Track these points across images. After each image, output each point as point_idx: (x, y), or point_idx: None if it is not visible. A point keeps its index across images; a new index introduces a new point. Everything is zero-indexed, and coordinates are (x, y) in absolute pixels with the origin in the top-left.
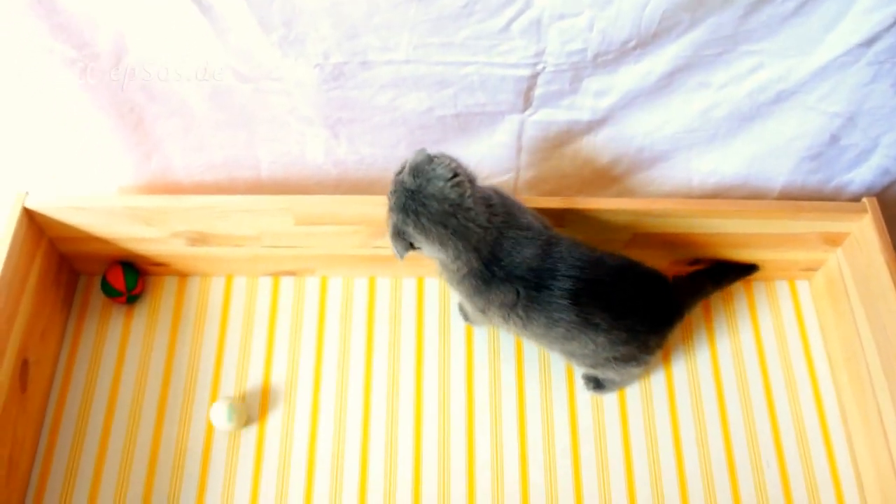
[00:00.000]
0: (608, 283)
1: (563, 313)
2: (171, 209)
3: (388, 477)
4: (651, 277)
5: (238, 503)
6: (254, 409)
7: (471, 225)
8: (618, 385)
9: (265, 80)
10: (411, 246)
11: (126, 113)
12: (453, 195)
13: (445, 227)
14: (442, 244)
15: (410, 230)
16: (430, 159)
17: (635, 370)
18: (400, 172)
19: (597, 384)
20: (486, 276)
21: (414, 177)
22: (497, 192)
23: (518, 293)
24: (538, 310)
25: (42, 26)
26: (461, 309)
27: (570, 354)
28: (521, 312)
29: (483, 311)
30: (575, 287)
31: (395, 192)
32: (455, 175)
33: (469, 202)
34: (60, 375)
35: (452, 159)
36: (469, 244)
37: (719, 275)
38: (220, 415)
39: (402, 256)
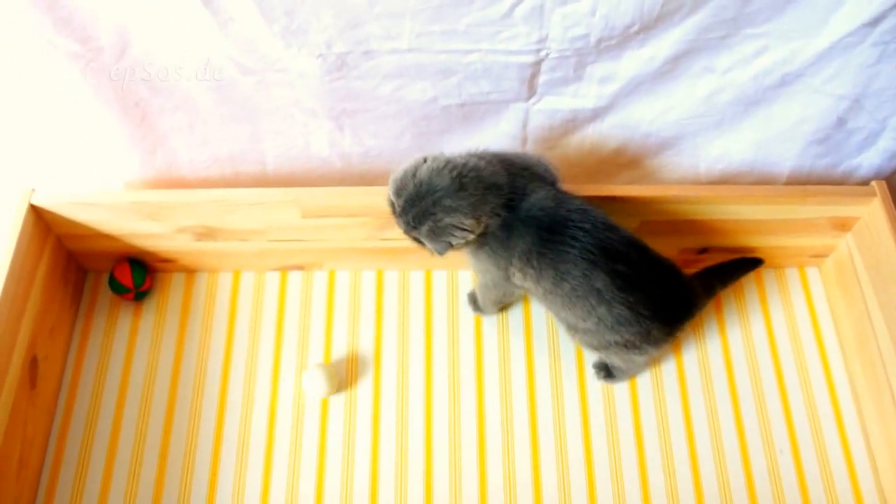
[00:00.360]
0: (617, 251)
1: (569, 265)
2: (178, 203)
3: (399, 472)
4: (663, 265)
5: (249, 493)
6: (263, 402)
7: (484, 191)
8: (625, 374)
9: (268, 72)
10: (450, 244)
11: (130, 107)
12: (453, 174)
13: (465, 203)
14: (474, 218)
15: (440, 226)
16: (415, 166)
17: (639, 359)
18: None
19: (607, 373)
20: (507, 220)
21: (414, 183)
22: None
23: (535, 235)
24: (549, 259)
25: (45, 20)
26: (471, 300)
27: (574, 329)
28: (535, 263)
29: (505, 272)
30: (585, 240)
31: (405, 206)
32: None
33: (469, 169)
34: (70, 372)
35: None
36: (488, 204)
37: (726, 273)
38: (313, 381)
39: (443, 253)
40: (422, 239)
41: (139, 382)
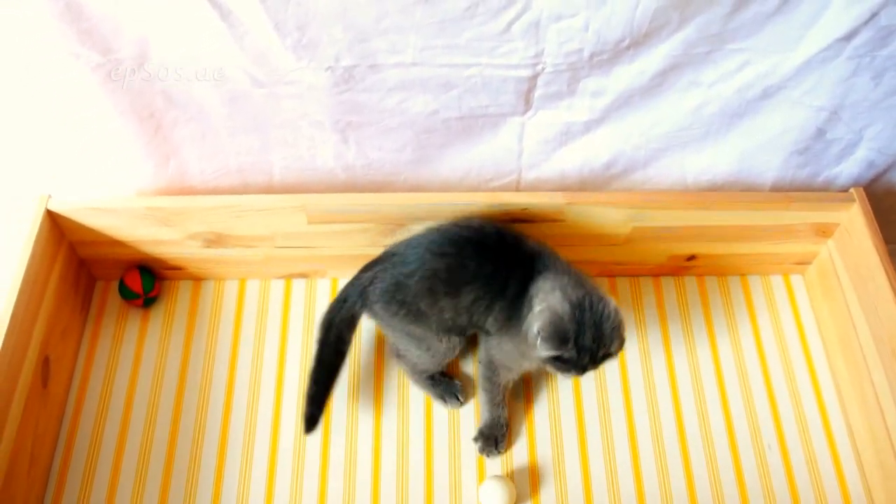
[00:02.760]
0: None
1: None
2: (190, 209)
3: (400, 471)
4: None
5: (254, 495)
6: (267, 410)
7: None
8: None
9: (279, 85)
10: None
11: (146, 118)
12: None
13: None
14: None
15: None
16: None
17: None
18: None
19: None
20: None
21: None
22: None
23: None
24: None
25: (70, 31)
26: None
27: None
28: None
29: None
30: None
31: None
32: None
33: None
34: (79, 373)
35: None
36: None
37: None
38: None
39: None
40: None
41: (146, 385)
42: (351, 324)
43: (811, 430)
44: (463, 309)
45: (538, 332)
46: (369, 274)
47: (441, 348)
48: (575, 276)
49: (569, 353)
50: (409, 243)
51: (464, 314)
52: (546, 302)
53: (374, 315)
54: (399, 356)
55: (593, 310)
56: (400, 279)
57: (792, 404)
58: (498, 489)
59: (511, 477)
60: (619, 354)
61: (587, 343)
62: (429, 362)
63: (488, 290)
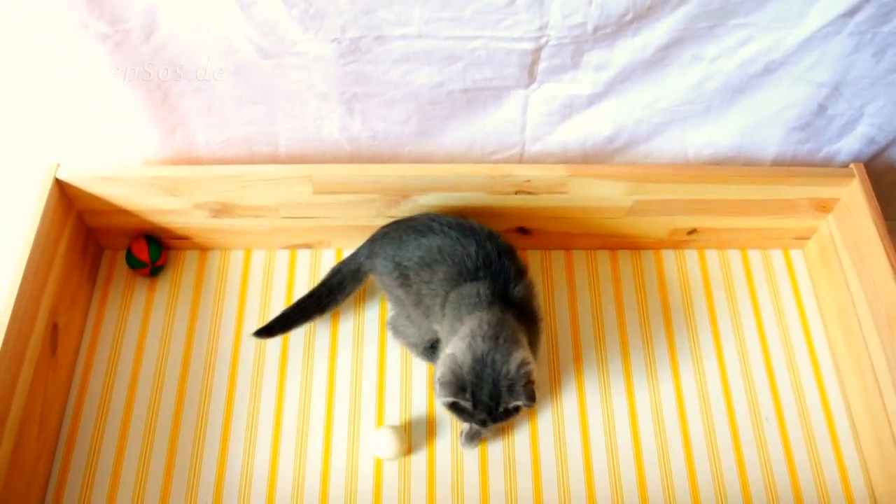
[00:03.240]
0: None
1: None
2: (197, 179)
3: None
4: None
5: (258, 467)
6: (271, 379)
7: None
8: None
9: (286, 56)
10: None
11: (153, 89)
12: None
13: None
14: None
15: None
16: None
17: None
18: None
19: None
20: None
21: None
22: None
23: None
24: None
25: (78, 1)
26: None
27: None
28: None
29: None
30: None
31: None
32: None
33: None
34: (87, 341)
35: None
36: None
37: None
38: (382, 444)
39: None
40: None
41: (153, 353)
42: (356, 275)
43: (809, 402)
44: (431, 290)
45: (438, 379)
46: (383, 230)
47: (414, 318)
48: (508, 320)
49: (465, 402)
50: (427, 215)
51: (429, 297)
52: (454, 348)
53: (375, 270)
54: (394, 329)
55: (494, 366)
56: (404, 240)
57: (790, 377)
58: (389, 437)
59: (512, 450)
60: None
61: (483, 398)
62: (413, 333)
63: (456, 279)
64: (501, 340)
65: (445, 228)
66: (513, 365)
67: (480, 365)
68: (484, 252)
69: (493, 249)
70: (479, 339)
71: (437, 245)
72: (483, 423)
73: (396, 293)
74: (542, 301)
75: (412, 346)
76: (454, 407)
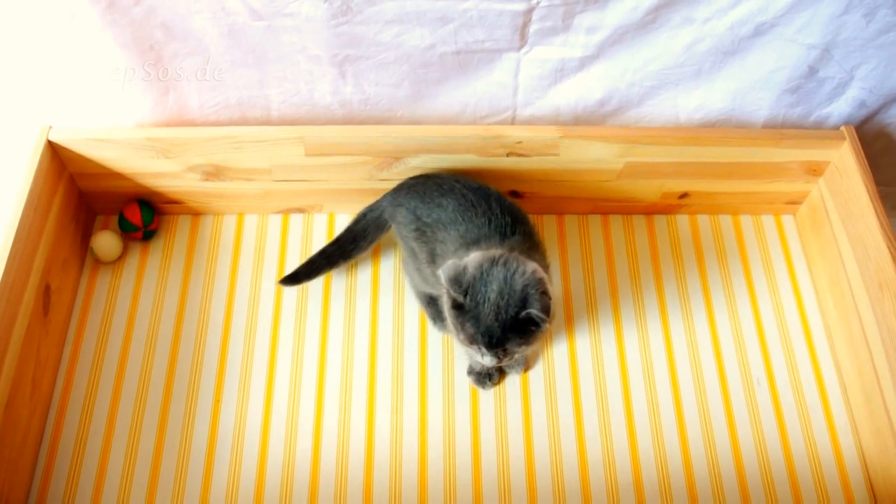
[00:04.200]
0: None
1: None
2: (190, 140)
3: (395, 415)
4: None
5: (250, 426)
6: (263, 344)
7: None
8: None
9: (277, 17)
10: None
11: (146, 50)
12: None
13: None
14: None
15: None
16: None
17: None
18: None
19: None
20: None
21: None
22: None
23: None
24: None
25: None
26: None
27: None
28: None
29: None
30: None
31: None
32: None
33: None
34: (80, 304)
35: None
36: None
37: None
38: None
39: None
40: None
41: (146, 317)
42: (378, 222)
43: (799, 365)
44: (444, 250)
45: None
46: (410, 181)
47: (425, 275)
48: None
49: (466, 302)
50: (452, 175)
51: (441, 257)
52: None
53: (395, 219)
54: (405, 272)
55: (507, 265)
56: (426, 196)
57: (781, 341)
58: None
59: (504, 412)
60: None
61: (491, 296)
62: (419, 283)
63: (469, 243)
64: (512, 257)
65: (465, 191)
66: (527, 270)
67: (490, 263)
68: (497, 220)
69: (509, 219)
70: (488, 255)
71: (455, 206)
72: (490, 340)
73: (411, 245)
74: (554, 284)
75: (418, 293)
76: (457, 309)
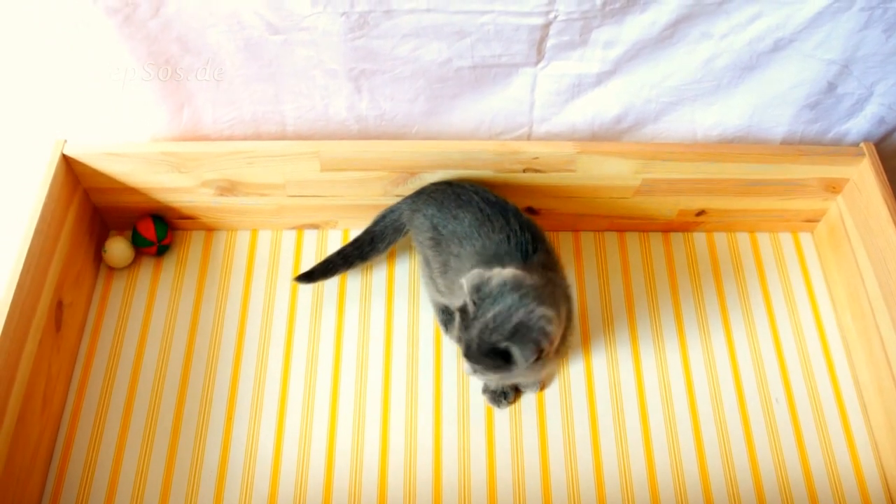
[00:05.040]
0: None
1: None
2: (204, 154)
3: (409, 430)
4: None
5: (262, 443)
6: (277, 359)
7: None
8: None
9: (294, 31)
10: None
11: (161, 64)
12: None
13: None
14: None
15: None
16: None
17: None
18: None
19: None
20: None
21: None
22: None
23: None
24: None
25: None
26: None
27: None
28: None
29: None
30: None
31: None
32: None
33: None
34: (92, 319)
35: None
36: None
37: None
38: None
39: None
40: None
41: (158, 333)
42: (396, 225)
43: (819, 384)
44: (458, 264)
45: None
46: (432, 186)
47: (438, 285)
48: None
49: (472, 310)
50: (472, 186)
51: (454, 272)
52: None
53: (412, 224)
54: (421, 274)
55: (523, 298)
56: (444, 206)
57: (800, 359)
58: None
59: (520, 428)
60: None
61: (489, 314)
62: (432, 291)
63: (484, 261)
64: (535, 293)
65: (483, 204)
66: (537, 313)
67: (510, 287)
68: (517, 237)
69: (529, 236)
70: (517, 278)
71: (471, 220)
72: (468, 350)
73: (426, 252)
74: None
75: (432, 301)
76: (462, 319)
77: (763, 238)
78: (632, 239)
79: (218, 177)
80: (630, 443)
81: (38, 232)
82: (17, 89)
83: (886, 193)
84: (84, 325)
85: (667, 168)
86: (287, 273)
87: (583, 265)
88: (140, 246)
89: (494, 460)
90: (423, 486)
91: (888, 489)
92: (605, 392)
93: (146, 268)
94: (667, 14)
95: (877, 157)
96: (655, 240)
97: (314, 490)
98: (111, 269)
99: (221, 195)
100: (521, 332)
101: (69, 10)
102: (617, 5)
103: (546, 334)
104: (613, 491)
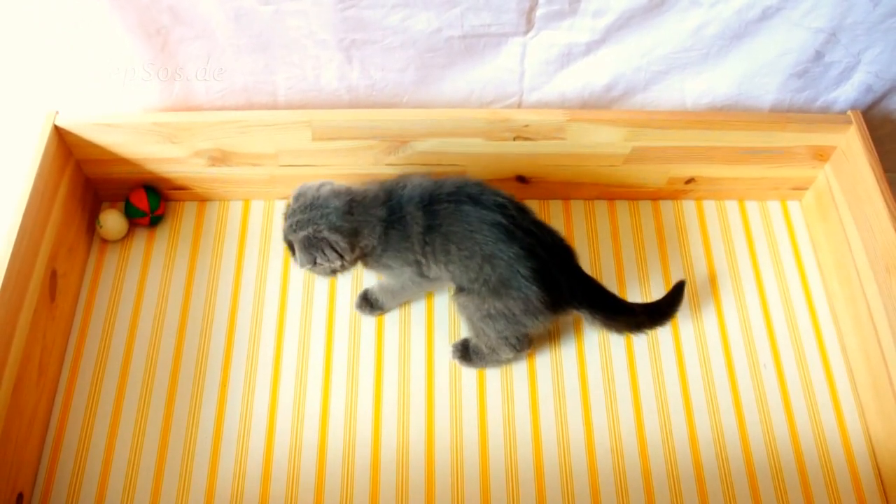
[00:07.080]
0: (496, 203)
1: (454, 226)
2: (196, 125)
3: (401, 397)
4: (550, 233)
5: (257, 410)
6: (270, 327)
7: (367, 214)
8: (483, 362)
9: (285, 2)
10: (314, 261)
11: (153, 34)
12: (348, 198)
13: (347, 227)
14: (349, 244)
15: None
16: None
17: (507, 350)
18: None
19: (462, 353)
20: (396, 214)
21: (313, 195)
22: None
23: (420, 210)
24: (438, 229)
25: None
26: (365, 303)
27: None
28: (427, 239)
29: (417, 266)
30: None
31: (294, 210)
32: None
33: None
34: (86, 289)
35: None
36: (368, 225)
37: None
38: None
39: (304, 266)
40: (295, 245)
41: (152, 302)
42: None
43: (806, 349)
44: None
45: None
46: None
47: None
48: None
49: (290, 206)
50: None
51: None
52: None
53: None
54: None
55: (324, 204)
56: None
57: (787, 325)
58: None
59: (511, 396)
60: None
61: (297, 207)
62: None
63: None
64: (334, 204)
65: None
66: (323, 227)
67: (327, 193)
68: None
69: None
70: (334, 189)
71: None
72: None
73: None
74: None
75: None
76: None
77: (751, 206)
78: (621, 207)
79: (210, 147)
80: (620, 408)
81: (30, 203)
82: (8, 61)
83: (873, 161)
84: (78, 296)
85: (656, 136)
86: (279, 242)
87: (573, 234)
88: (133, 217)
89: (486, 430)
90: (415, 451)
91: (873, 451)
92: (595, 358)
93: (139, 238)
94: None
95: (864, 125)
96: (645, 208)
97: (308, 459)
98: (104, 242)
99: (213, 165)
100: (307, 232)
101: None
102: None
103: (326, 244)
104: (604, 452)
